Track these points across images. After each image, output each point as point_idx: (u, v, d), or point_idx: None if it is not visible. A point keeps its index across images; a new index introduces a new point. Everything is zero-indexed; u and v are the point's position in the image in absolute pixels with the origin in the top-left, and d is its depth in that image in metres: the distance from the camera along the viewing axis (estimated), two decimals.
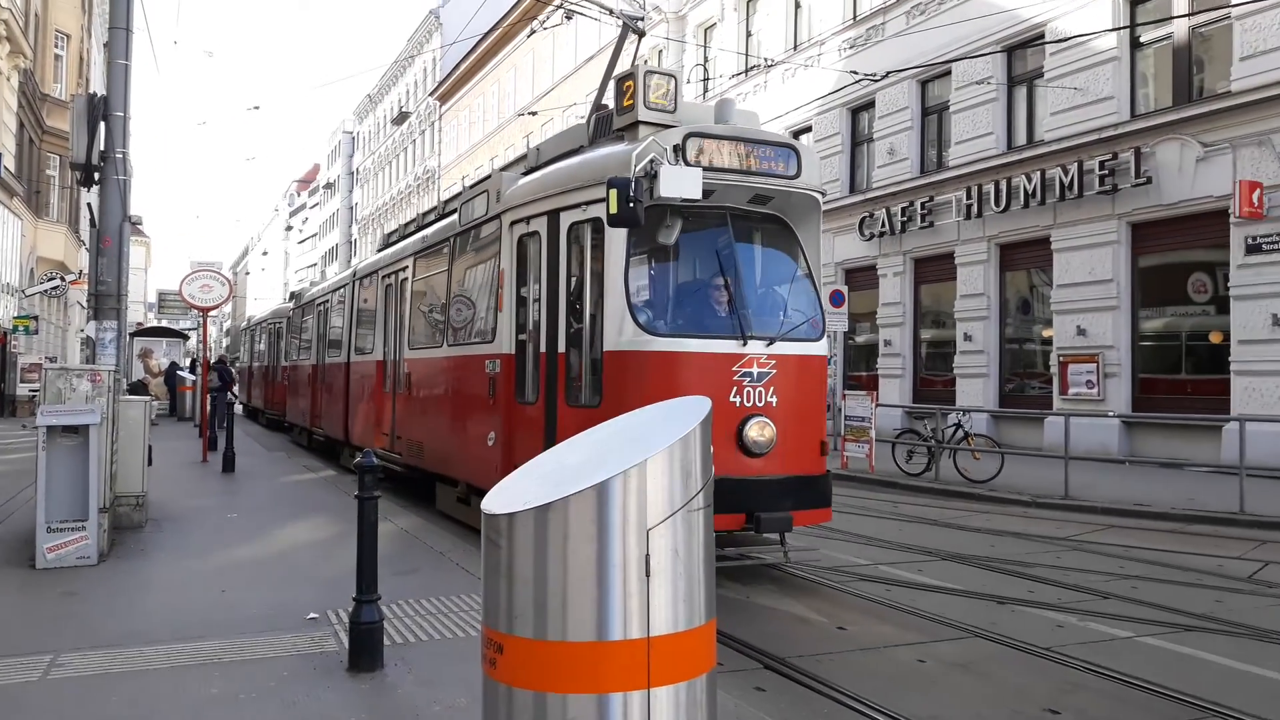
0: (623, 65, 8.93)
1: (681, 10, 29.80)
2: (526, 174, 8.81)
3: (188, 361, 34.41)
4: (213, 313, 17.86)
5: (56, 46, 28.18)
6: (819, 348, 7.33)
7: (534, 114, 31.87)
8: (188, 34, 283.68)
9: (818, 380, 7.33)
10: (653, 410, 3.20)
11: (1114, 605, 6.85)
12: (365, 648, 4.80)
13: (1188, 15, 15.80)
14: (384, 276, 13.06)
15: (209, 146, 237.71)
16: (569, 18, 21.45)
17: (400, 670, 4.80)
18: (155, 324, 38.41)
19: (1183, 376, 16.09)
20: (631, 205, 6.27)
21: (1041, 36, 18.09)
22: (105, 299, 9.55)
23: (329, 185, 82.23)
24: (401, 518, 9.69)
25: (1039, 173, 17.72)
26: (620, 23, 9.25)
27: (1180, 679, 5.16)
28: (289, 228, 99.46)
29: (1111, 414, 16.01)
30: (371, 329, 13.63)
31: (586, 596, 2.40)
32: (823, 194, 7.67)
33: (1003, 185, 18.48)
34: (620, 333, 6.85)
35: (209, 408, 18.79)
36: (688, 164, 6.81)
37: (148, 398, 10.50)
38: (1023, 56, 19.07)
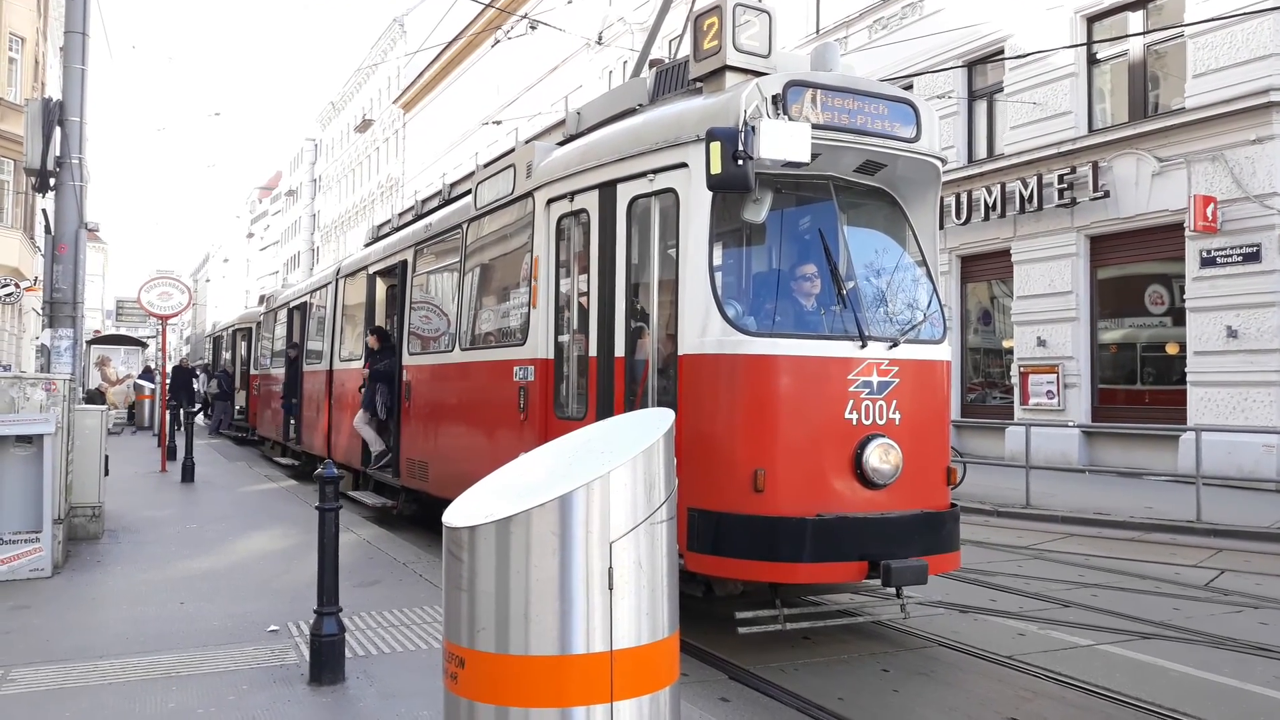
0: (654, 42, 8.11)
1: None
2: (564, 143, 7.61)
3: (145, 367, 33.97)
4: (172, 320, 17.65)
5: (11, 50, 27.68)
6: (943, 351, 6.20)
7: (499, 123, 31.78)
8: (148, 38, 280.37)
9: (942, 391, 6.23)
10: (619, 421, 3.19)
11: (1075, 613, 6.92)
12: (326, 660, 4.75)
13: (1143, 33, 16.08)
14: (376, 273, 11.88)
15: (169, 152, 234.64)
16: (533, 28, 21.50)
17: (362, 683, 4.75)
18: (114, 331, 37.69)
19: (1141, 387, 16.33)
20: (740, 163, 5.12)
21: (1001, 52, 18.32)
22: (61, 306, 9.41)
23: (291, 192, 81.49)
24: (364, 528, 9.60)
25: (999, 186, 17.93)
26: None
27: (1139, 686, 5.23)
28: (250, 235, 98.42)
29: (1071, 424, 16.21)
30: (360, 333, 12.44)
31: (549, 610, 2.39)
32: (943, 161, 6.50)
33: (963, 198, 18.68)
34: (703, 331, 5.58)
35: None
36: (790, 119, 5.49)
37: (104, 407, 10.32)
38: (983, 71, 19.30)
